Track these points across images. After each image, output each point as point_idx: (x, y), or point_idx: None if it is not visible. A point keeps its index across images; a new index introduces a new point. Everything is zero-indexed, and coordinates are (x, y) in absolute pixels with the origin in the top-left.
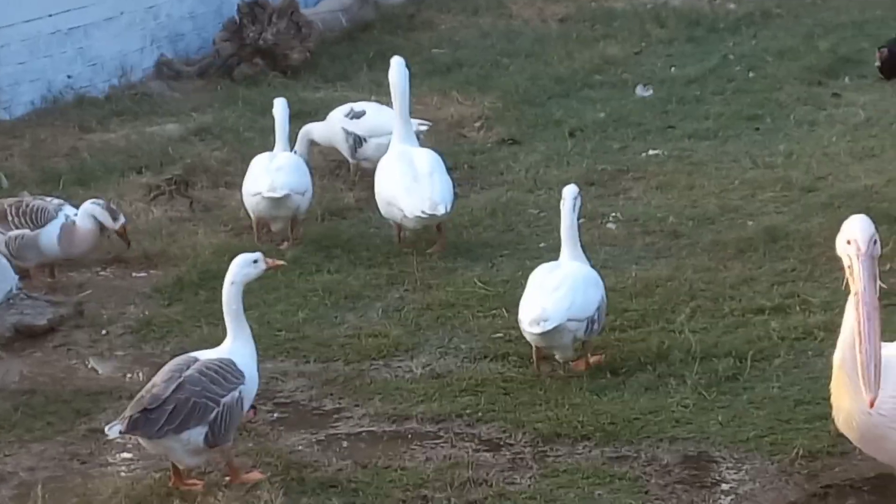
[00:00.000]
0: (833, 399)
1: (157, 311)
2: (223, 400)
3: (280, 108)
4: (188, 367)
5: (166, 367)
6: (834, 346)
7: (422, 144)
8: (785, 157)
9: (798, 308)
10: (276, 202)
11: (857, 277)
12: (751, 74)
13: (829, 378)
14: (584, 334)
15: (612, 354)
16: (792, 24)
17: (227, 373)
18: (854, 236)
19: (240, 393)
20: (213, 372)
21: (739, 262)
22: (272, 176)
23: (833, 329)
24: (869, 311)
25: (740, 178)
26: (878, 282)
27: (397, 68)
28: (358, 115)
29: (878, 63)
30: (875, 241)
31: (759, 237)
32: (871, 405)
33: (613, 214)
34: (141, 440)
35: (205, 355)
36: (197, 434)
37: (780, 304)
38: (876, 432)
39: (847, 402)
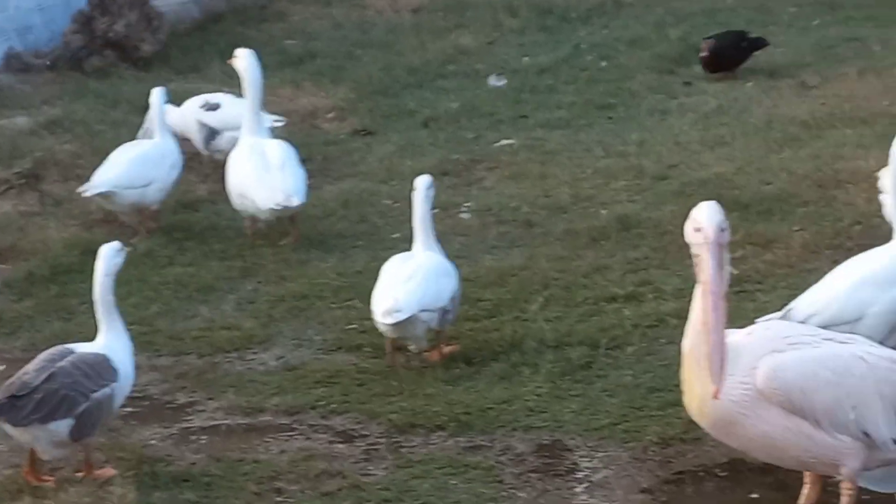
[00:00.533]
0: (684, 385)
1: (7, 307)
2: (93, 395)
3: (157, 96)
4: (62, 359)
5: (40, 357)
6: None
7: (274, 137)
8: (637, 145)
9: (650, 295)
10: (104, 198)
11: (704, 266)
12: (603, 64)
13: (681, 365)
14: (437, 324)
15: (466, 344)
16: (643, 13)
17: (102, 369)
18: (702, 224)
19: (112, 390)
20: (87, 366)
21: (592, 250)
22: (99, 171)
23: (685, 316)
24: (715, 301)
25: (593, 166)
26: (729, 268)
27: (246, 60)
28: (213, 108)
29: (704, 53)
30: (723, 229)
31: (611, 226)
32: (716, 396)
33: (467, 204)
34: (5, 426)
35: (80, 348)
36: (63, 426)
37: (632, 291)
38: (726, 418)
39: (697, 389)
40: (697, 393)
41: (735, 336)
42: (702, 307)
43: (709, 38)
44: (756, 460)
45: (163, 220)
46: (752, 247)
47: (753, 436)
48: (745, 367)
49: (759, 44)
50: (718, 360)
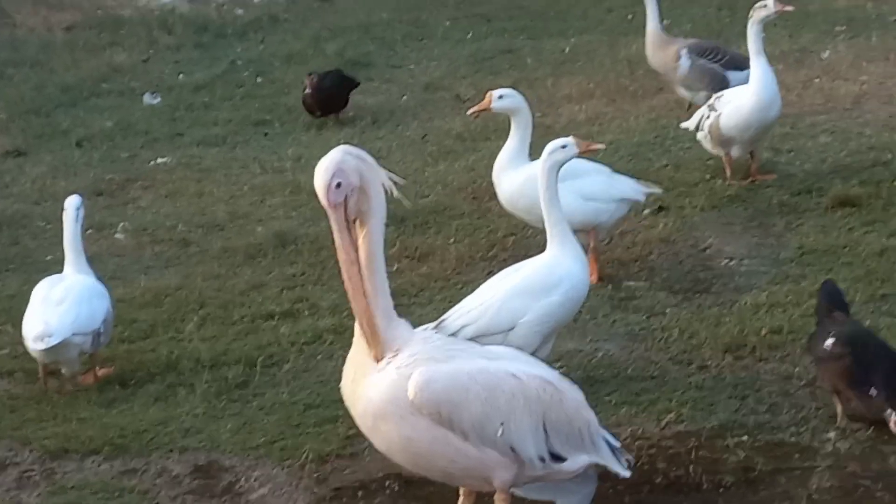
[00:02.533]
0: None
1: None
2: None
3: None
4: None
5: None
6: (343, 348)
7: None
8: (294, 161)
9: (307, 312)
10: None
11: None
12: (259, 79)
13: (339, 380)
14: (90, 347)
15: (122, 366)
16: (299, 28)
17: None
18: (316, 190)
19: None
20: None
21: (249, 268)
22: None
23: (342, 332)
24: (347, 268)
25: (249, 183)
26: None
27: None
28: None
29: (307, 90)
30: (338, 185)
31: (268, 242)
32: (378, 360)
33: (122, 224)
34: None
35: None
36: None
37: (289, 308)
38: (377, 408)
39: (350, 371)
40: (351, 374)
41: (415, 333)
42: (343, 275)
43: (312, 73)
44: (413, 474)
45: None
46: (407, 260)
47: (399, 439)
48: (404, 366)
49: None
50: (368, 326)
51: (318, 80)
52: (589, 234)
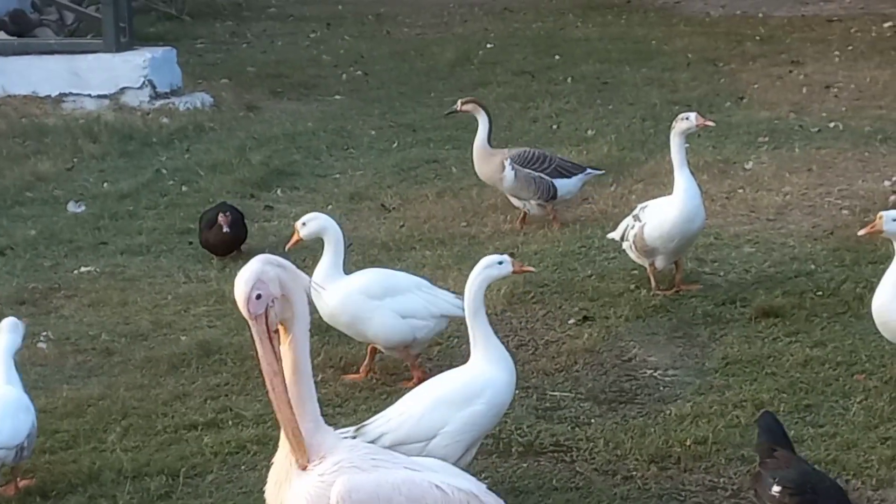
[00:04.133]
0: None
1: None
2: None
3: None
4: None
5: None
6: (267, 459)
7: None
8: (218, 270)
9: (231, 422)
10: None
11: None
12: (184, 188)
13: (262, 491)
14: (12, 461)
15: (43, 477)
16: (225, 137)
17: None
18: (237, 302)
19: None
20: None
21: (173, 377)
22: None
23: (266, 442)
24: (270, 379)
25: (174, 292)
26: (279, 341)
27: None
28: None
29: (225, 229)
30: (258, 296)
31: (192, 352)
32: (303, 467)
33: (45, 333)
34: None
35: None
36: None
37: (213, 418)
38: None
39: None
40: (274, 478)
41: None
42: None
43: (226, 211)
44: None
45: None
46: (332, 370)
47: None
48: (327, 473)
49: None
50: (292, 435)
51: (233, 215)
52: (402, 352)
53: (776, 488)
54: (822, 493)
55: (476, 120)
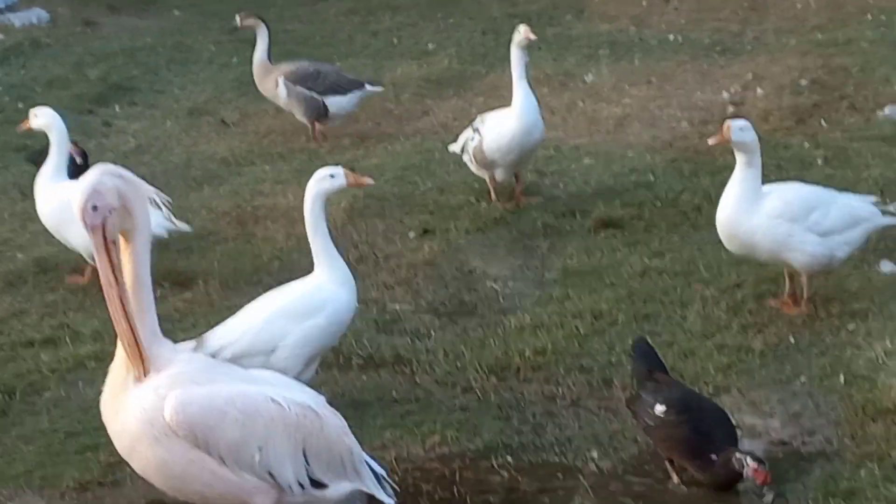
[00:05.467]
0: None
1: None
2: None
3: None
4: None
5: None
6: (105, 375)
7: None
8: None
9: (68, 339)
10: None
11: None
12: (20, 105)
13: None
14: None
15: None
16: (62, 53)
17: None
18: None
19: None
20: None
21: (9, 295)
22: None
23: (104, 358)
24: (108, 290)
25: (10, 210)
26: (118, 252)
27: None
28: None
29: (79, 161)
30: (94, 207)
31: (28, 269)
32: (140, 379)
33: None
34: None
35: None
36: None
37: (50, 335)
38: (132, 430)
39: (107, 392)
40: (110, 391)
41: (179, 353)
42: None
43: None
44: (175, 501)
45: None
46: (171, 285)
47: (155, 461)
48: (163, 387)
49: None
50: (130, 346)
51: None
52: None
53: (661, 408)
54: (705, 411)
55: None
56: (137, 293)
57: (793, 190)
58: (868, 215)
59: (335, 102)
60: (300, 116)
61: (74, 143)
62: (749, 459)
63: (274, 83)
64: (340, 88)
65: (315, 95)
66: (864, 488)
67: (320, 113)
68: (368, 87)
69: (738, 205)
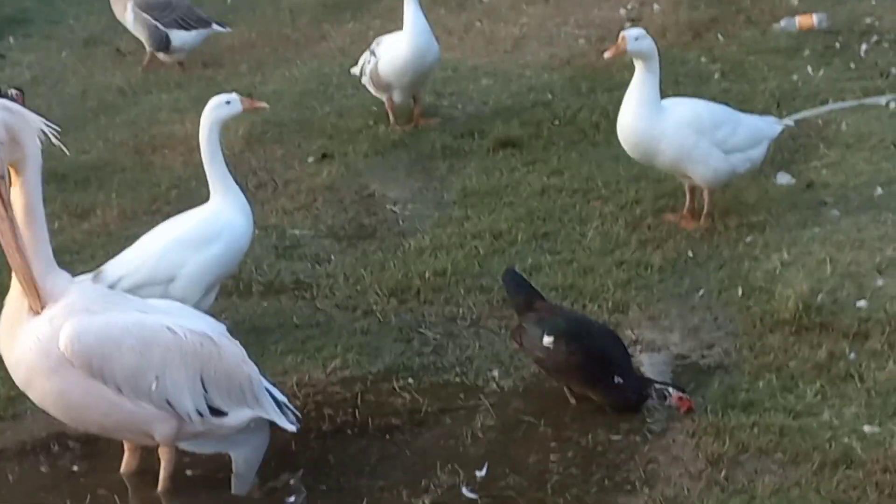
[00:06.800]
0: None
1: None
2: None
3: None
4: None
5: None
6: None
7: None
8: None
9: None
10: None
11: None
12: None
13: None
14: None
15: None
16: None
17: None
18: None
19: None
20: None
21: None
22: None
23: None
24: None
25: None
26: (8, 185)
27: None
28: None
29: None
30: None
31: None
32: (36, 311)
33: None
34: None
35: None
36: None
37: None
38: (30, 362)
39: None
40: (5, 324)
41: (74, 283)
42: None
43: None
44: (78, 433)
45: None
46: (68, 217)
47: (52, 392)
48: (57, 318)
49: None
50: (24, 278)
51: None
52: None
53: (548, 339)
54: (595, 335)
55: None
56: (30, 225)
57: (700, 104)
58: (771, 133)
59: (178, 36)
60: (145, 44)
61: (18, 90)
62: (671, 390)
63: (123, 7)
64: (186, 24)
65: (160, 26)
66: (763, 399)
67: (162, 44)
68: (215, 27)
69: (639, 110)
